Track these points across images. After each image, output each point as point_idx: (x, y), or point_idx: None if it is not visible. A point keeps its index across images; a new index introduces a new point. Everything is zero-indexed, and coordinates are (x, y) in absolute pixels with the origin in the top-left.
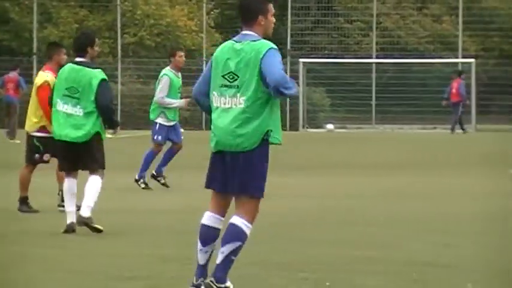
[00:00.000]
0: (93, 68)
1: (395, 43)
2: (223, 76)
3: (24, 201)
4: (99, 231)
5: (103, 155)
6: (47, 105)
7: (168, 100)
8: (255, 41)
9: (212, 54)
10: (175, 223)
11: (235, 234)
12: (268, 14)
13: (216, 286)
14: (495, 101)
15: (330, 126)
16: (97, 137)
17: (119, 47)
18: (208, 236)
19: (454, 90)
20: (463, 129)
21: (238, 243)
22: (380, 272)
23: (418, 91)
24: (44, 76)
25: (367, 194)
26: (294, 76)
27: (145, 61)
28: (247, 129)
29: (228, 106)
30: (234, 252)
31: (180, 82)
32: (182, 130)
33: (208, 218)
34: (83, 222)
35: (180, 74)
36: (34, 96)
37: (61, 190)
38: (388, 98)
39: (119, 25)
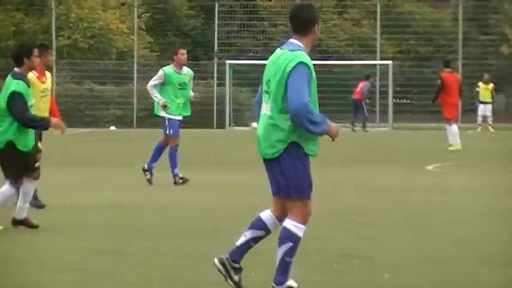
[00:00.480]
0: (16, 78)
1: (317, 45)
2: (265, 82)
3: None
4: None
5: (14, 165)
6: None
7: (153, 91)
8: (292, 50)
9: (143, 56)
10: (112, 219)
11: (285, 236)
12: (318, 24)
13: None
14: (411, 101)
15: (254, 124)
16: (8, 146)
17: (54, 49)
18: (256, 223)
19: (357, 89)
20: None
21: (290, 244)
22: (303, 262)
23: (339, 91)
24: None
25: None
26: (221, 77)
27: (79, 62)
28: (271, 137)
29: (264, 112)
30: (288, 253)
31: (185, 79)
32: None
33: (265, 215)
34: None
35: (184, 70)
36: None
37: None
38: None
39: (53, 28)
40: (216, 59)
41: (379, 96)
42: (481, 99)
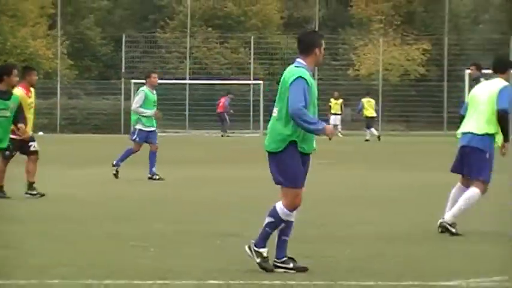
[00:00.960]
0: None
1: (204, 68)
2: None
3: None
4: None
5: None
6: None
7: (141, 109)
8: (297, 67)
9: (65, 75)
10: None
11: (273, 213)
12: (321, 47)
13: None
14: None
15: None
16: None
17: None
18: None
19: (221, 104)
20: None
21: (272, 220)
22: (195, 242)
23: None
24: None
25: (179, 182)
26: (127, 93)
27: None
28: (275, 135)
29: (273, 114)
30: (269, 226)
31: (155, 97)
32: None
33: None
34: None
35: (154, 91)
36: None
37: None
38: (199, 110)
39: None
40: (123, 79)
41: (252, 109)
42: (333, 111)
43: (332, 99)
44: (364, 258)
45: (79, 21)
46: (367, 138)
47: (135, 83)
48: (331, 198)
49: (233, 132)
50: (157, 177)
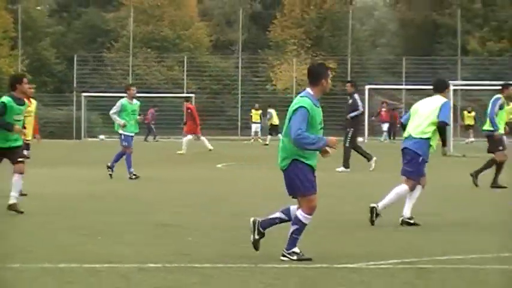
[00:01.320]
0: (8, 96)
1: (144, 84)
2: None
3: None
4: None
5: None
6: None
7: (115, 116)
8: (302, 96)
9: None
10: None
11: (296, 221)
12: (328, 78)
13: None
14: (208, 121)
15: (101, 136)
16: None
17: None
18: (285, 210)
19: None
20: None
21: (296, 227)
22: (137, 230)
23: (158, 115)
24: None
25: (109, 181)
26: (79, 104)
27: None
28: (281, 155)
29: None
30: (295, 232)
31: (135, 107)
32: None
33: (293, 208)
34: None
35: (134, 101)
36: None
37: None
38: None
39: None
40: (74, 92)
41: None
42: (253, 120)
43: (253, 110)
44: (280, 245)
45: (37, 43)
46: (267, 142)
47: (85, 96)
48: (252, 194)
49: (169, 138)
50: (134, 176)
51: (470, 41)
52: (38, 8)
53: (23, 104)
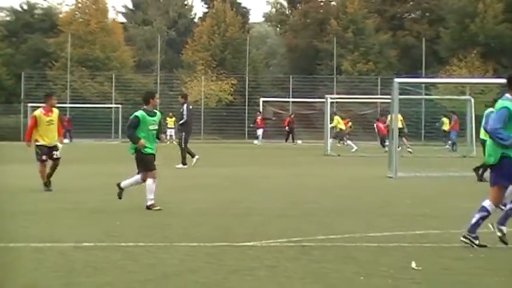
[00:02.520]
0: (141, 110)
1: (79, 96)
2: None
3: (45, 184)
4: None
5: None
6: (30, 128)
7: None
8: (502, 99)
9: None
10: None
11: (481, 209)
12: None
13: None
14: None
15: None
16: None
17: None
18: (480, 208)
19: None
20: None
21: (483, 214)
22: (73, 216)
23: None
24: (35, 112)
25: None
26: (25, 114)
27: None
28: (489, 150)
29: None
30: (481, 218)
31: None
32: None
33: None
34: None
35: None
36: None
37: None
38: (77, 125)
39: None
40: (22, 103)
41: (114, 124)
42: (169, 126)
43: (168, 118)
44: (188, 226)
45: None
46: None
47: (30, 106)
48: (181, 187)
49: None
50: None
51: (343, 63)
52: None
53: (154, 115)
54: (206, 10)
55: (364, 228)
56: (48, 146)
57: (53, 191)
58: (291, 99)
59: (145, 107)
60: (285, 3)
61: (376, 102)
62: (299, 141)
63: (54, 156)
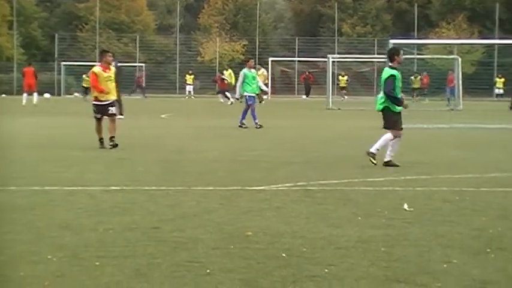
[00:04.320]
0: (391, 68)
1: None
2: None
3: (100, 141)
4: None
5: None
6: (94, 83)
7: (238, 84)
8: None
9: (19, 59)
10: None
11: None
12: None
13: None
14: (154, 83)
15: (76, 94)
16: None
17: None
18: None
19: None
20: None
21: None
22: (101, 162)
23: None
24: (93, 68)
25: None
26: (59, 71)
27: None
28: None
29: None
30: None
31: (254, 74)
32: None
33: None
34: None
35: (252, 70)
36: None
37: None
38: None
39: None
40: (56, 61)
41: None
42: (188, 82)
43: (187, 75)
44: (204, 172)
45: (27, 25)
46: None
47: (64, 64)
48: (185, 136)
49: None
50: (259, 126)
51: (344, 25)
52: None
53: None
54: None
55: (362, 174)
56: (104, 104)
57: (118, 146)
58: (296, 59)
59: (390, 64)
60: None
61: (373, 61)
62: (304, 97)
63: (110, 112)
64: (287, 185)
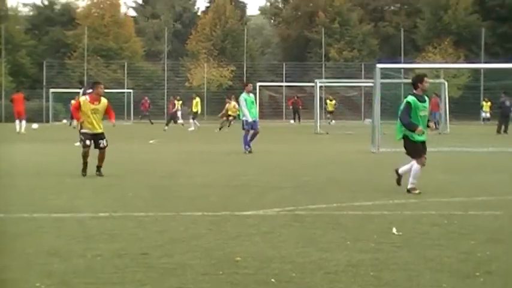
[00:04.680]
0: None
1: None
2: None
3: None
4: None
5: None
6: (74, 109)
7: (243, 109)
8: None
9: (7, 87)
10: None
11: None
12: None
13: None
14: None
15: (64, 120)
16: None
17: None
18: None
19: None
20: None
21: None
22: (89, 188)
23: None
24: (81, 97)
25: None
26: (47, 98)
27: None
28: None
29: None
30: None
31: (252, 99)
32: None
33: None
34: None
35: (251, 95)
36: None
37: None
38: None
39: None
40: (44, 89)
41: (126, 107)
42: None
43: (175, 101)
44: (195, 197)
45: (15, 53)
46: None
47: (52, 92)
48: (178, 160)
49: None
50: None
51: (331, 50)
52: (17, 27)
53: (424, 101)
54: (208, 4)
55: (351, 198)
56: (93, 133)
57: (103, 176)
58: (284, 84)
59: (414, 91)
60: None
61: (360, 86)
62: (291, 121)
63: (101, 146)
64: (276, 209)
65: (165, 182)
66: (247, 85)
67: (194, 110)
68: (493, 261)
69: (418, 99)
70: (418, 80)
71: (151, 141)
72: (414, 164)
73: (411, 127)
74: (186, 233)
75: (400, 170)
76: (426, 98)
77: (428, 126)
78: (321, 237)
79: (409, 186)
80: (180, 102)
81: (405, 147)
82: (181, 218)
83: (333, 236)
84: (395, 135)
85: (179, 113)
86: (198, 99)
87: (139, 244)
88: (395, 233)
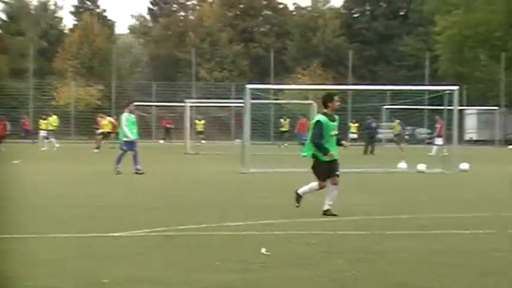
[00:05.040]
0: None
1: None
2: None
3: None
4: None
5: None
6: None
7: (124, 128)
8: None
9: None
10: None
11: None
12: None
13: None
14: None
15: None
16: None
17: None
18: None
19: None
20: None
21: None
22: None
23: None
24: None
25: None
26: None
27: None
28: None
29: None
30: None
31: (134, 119)
32: None
33: None
34: None
35: (132, 115)
36: None
37: None
38: None
39: None
40: None
41: None
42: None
43: (40, 120)
44: (62, 219)
45: None
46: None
47: None
48: (43, 181)
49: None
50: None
51: (201, 70)
52: None
53: (334, 120)
54: (75, 22)
55: (221, 218)
56: None
57: None
58: (154, 104)
59: (325, 110)
60: (148, 17)
61: (230, 106)
62: (161, 141)
63: None
64: (146, 230)
65: (30, 203)
66: (129, 105)
67: (51, 128)
68: (359, 279)
69: (329, 119)
70: (328, 99)
71: (15, 161)
72: (314, 184)
73: (322, 151)
74: (53, 255)
75: (300, 191)
76: (336, 117)
77: (341, 144)
78: (191, 258)
79: (324, 208)
80: (46, 121)
81: (312, 167)
82: (47, 240)
83: (202, 257)
84: (302, 151)
85: (45, 133)
86: (54, 116)
87: (2, 267)
88: (265, 252)
